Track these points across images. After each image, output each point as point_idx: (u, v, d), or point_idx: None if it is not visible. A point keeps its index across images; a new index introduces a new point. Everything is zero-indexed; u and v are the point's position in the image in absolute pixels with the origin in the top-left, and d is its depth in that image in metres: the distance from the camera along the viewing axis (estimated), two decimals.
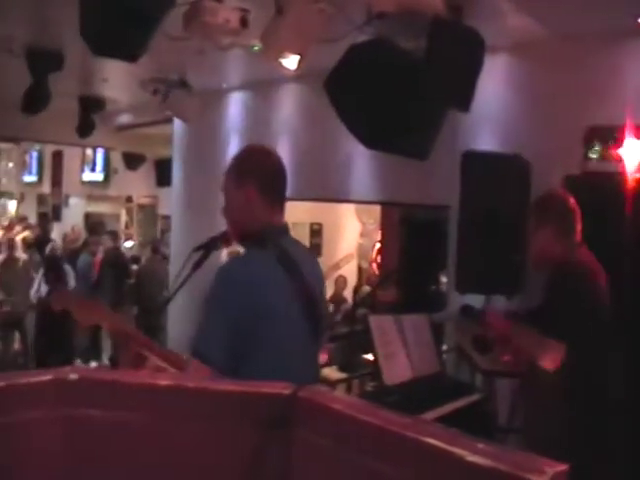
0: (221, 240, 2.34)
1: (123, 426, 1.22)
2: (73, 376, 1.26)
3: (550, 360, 2.79)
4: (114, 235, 11.17)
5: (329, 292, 8.94)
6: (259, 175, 2.22)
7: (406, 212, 7.85)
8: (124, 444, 1.23)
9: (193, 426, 1.19)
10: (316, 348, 2.31)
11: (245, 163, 2.27)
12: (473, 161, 4.31)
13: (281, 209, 2.29)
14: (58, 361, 7.03)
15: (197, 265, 2.27)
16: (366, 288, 9.46)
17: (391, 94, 3.46)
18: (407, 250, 7.87)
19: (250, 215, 2.21)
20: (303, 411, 1.13)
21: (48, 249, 8.55)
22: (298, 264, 2.18)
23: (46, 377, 1.26)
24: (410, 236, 7.77)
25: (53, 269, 8.29)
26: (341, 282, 9.55)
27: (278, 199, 2.27)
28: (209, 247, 2.31)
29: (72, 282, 8.58)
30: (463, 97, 3.80)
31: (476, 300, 4.30)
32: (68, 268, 8.71)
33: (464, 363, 4.54)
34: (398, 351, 3.92)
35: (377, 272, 9.70)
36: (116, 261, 9.70)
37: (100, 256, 9.90)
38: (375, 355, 3.83)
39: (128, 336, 1.98)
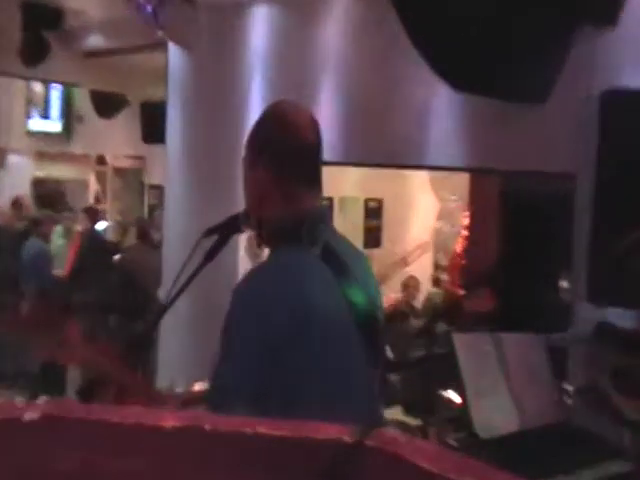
0: (244, 220, 2.35)
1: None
2: (30, 415, 1.29)
3: None
4: (93, 212, 11.31)
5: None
6: (275, 150, 2.26)
7: (508, 184, 7.83)
8: None
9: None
10: (375, 376, 2.37)
11: (261, 132, 2.32)
12: (616, 105, 4.23)
13: (312, 194, 2.31)
14: None
15: (209, 256, 2.29)
16: (437, 292, 9.49)
17: (493, 5, 3.43)
18: (509, 239, 7.84)
19: (263, 204, 2.26)
20: (371, 465, 1.14)
21: None
22: (348, 266, 2.20)
23: None
24: (514, 219, 7.75)
25: None
26: (412, 285, 9.55)
27: (306, 182, 2.30)
28: (227, 230, 2.32)
29: None
30: (607, 6, 3.72)
31: (618, 315, 4.24)
32: None
33: (603, 411, 4.48)
34: (497, 387, 3.92)
35: (463, 270, 9.71)
36: (98, 249, 9.84)
37: (62, 240, 10.08)
38: (462, 392, 3.83)
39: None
